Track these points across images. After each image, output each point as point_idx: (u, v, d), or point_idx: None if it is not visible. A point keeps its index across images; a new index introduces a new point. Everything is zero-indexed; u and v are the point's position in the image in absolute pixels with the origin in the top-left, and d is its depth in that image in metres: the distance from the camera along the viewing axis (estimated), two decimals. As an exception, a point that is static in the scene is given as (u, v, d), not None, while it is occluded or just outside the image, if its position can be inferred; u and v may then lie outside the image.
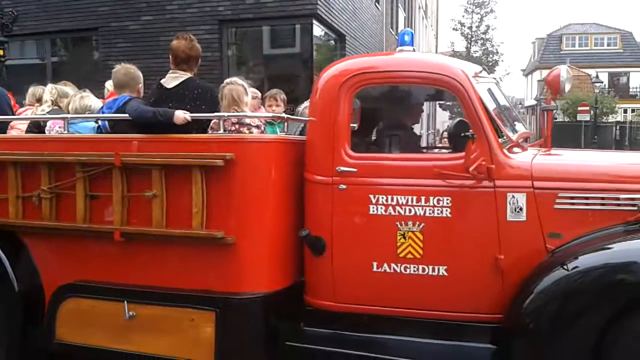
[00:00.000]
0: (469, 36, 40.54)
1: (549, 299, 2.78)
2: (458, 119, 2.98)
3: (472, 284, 3.05)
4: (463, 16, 40.71)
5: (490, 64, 40.09)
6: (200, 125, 3.45)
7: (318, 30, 10.64)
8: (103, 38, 10.66)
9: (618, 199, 2.96)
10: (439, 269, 3.08)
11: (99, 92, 5.12)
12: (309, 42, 10.27)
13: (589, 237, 2.94)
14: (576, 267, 2.77)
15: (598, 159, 3.60)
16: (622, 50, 41.14)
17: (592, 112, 26.50)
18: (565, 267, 2.79)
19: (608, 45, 41.68)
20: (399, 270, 3.11)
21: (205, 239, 3.13)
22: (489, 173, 3.00)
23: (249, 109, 3.70)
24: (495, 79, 3.86)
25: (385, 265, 3.13)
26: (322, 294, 3.28)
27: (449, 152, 3.19)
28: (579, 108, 27.40)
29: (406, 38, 3.69)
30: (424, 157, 3.22)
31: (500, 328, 2.95)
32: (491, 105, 3.25)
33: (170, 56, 3.61)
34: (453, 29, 41.17)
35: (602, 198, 2.98)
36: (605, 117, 30.46)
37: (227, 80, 3.69)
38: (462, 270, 3.06)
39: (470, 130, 2.90)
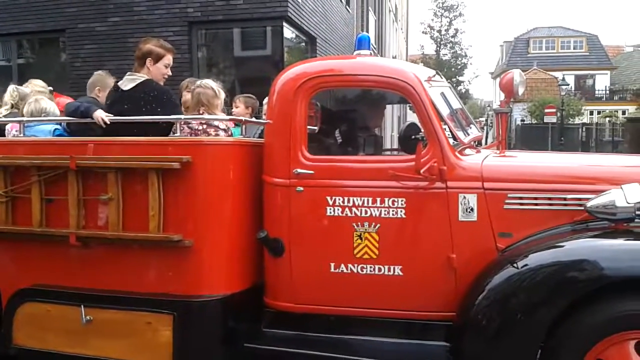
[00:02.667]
0: (439, 40, 41.12)
1: (500, 295, 2.85)
2: (409, 122, 3.05)
3: (427, 283, 3.12)
4: (432, 20, 41.41)
5: (459, 67, 40.68)
6: (160, 128, 3.45)
7: (288, 32, 10.66)
8: (70, 39, 10.51)
9: (565, 199, 3.06)
10: (394, 268, 3.14)
11: (66, 95, 5.10)
12: (280, 45, 10.28)
13: (537, 236, 3.03)
14: (526, 264, 2.85)
15: (547, 161, 3.71)
16: (588, 53, 42.08)
17: (558, 114, 27.05)
18: (515, 265, 2.87)
19: (574, 48, 42.60)
20: (355, 271, 3.16)
21: (163, 242, 3.13)
22: (441, 174, 3.07)
23: (221, 111, 3.73)
24: (449, 83, 3.94)
25: (343, 265, 3.18)
26: (281, 296, 3.31)
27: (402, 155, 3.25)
28: (546, 110, 27.98)
29: (362, 42, 3.76)
30: (379, 159, 3.28)
31: (453, 326, 3.02)
32: (444, 109, 3.33)
33: (135, 58, 3.61)
34: (423, 32, 41.93)
35: (550, 198, 3.07)
36: (571, 119, 31.11)
37: (198, 82, 3.72)
38: (417, 270, 3.12)
39: (421, 133, 2.97)
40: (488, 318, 2.86)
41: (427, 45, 48.96)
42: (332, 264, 3.19)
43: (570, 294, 2.74)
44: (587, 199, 2.94)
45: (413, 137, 2.94)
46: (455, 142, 3.26)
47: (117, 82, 3.60)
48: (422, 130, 3.18)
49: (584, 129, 26.85)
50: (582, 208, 2.97)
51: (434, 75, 3.50)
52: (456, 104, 3.74)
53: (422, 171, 2.99)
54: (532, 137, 29.77)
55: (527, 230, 3.06)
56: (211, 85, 3.66)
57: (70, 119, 3.63)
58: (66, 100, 4.51)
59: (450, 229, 3.08)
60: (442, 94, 3.48)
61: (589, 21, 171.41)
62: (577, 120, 31.21)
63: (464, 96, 42.70)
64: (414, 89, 3.16)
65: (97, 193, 3.22)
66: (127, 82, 3.52)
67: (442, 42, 41.16)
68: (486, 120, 44.21)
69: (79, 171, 3.23)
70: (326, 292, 3.23)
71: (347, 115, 4.38)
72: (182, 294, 3.17)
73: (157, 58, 3.60)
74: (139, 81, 3.50)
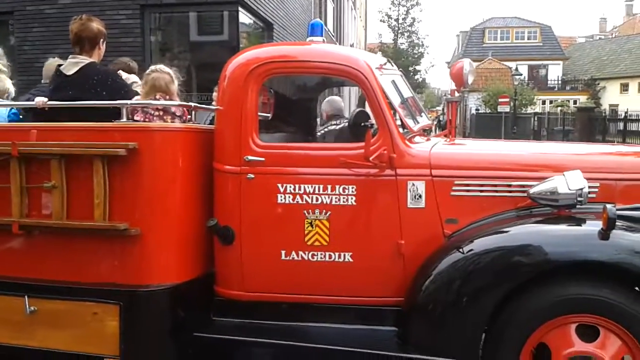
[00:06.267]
0: (396, 28, 41.39)
1: (446, 280, 2.92)
2: (358, 109, 3.06)
3: (376, 269, 3.16)
4: (390, 8, 41.56)
5: (417, 56, 41.09)
6: (107, 114, 3.35)
7: (245, 17, 10.53)
8: (18, 22, 10.10)
9: (510, 185, 3.13)
10: (344, 255, 3.16)
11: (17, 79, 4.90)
12: (235, 30, 10.13)
13: (483, 222, 3.10)
14: (472, 249, 2.92)
15: (493, 149, 3.78)
16: (541, 44, 43.14)
17: (512, 103, 27.70)
18: (461, 250, 2.93)
19: (528, 38, 43.59)
20: (306, 258, 3.17)
21: (108, 231, 3.06)
22: (391, 162, 3.10)
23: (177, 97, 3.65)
24: (400, 71, 3.97)
25: (294, 253, 3.18)
26: (232, 284, 3.29)
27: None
28: (500, 100, 28.59)
29: (315, 29, 3.74)
30: (329, 146, 3.28)
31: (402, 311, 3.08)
32: (395, 97, 3.36)
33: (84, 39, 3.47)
34: (381, 20, 42.04)
35: (495, 185, 3.14)
36: (524, 109, 31.93)
37: (152, 67, 3.60)
38: (367, 256, 3.16)
39: (370, 120, 2.98)
40: (434, 302, 2.92)
41: (385, 34, 49.34)
42: (283, 252, 3.19)
43: (513, 279, 2.82)
44: (531, 186, 3.02)
45: (362, 124, 2.95)
46: (405, 130, 3.29)
47: (60, 65, 3.47)
48: (372, 117, 3.20)
49: (536, 119, 27.58)
50: (526, 195, 3.05)
51: (385, 63, 3.52)
52: (407, 92, 3.78)
53: (371, 158, 3.01)
54: (487, 126, 30.46)
55: (473, 216, 3.12)
56: (167, 70, 3.57)
57: (16, 103, 3.50)
58: None
59: (399, 216, 3.12)
60: (393, 82, 3.51)
61: (543, 12, 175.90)
62: (529, 110, 32.04)
63: (421, 85, 43.20)
64: (365, 76, 3.17)
65: (41, 181, 3.11)
66: (70, 66, 3.40)
67: (399, 31, 41.51)
68: (442, 109, 44.92)
69: (22, 158, 3.12)
70: (277, 279, 3.23)
71: (298, 102, 4.38)
72: (129, 283, 3.10)
73: (105, 39, 3.50)
74: (81, 64, 3.38)
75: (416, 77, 41.64)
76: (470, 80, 3.97)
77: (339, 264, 3.17)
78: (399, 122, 3.23)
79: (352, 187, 3.15)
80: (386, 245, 3.13)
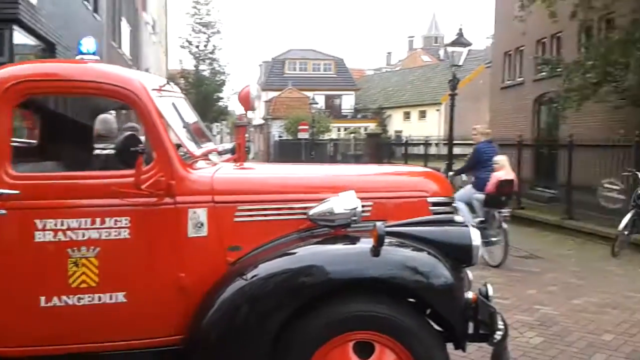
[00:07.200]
0: (197, 55, 41.23)
1: (231, 308, 2.79)
2: (127, 133, 2.81)
3: (155, 308, 2.89)
4: (190, 35, 41.22)
5: (219, 83, 41.30)
6: None
7: (21, 37, 9.50)
8: None
9: (292, 208, 3.12)
10: (116, 295, 2.84)
11: None
12: (10, 49, 9.09)
13: (266, 246, 3.04)
14: (256, 275, 2.83)
15: (277, 172, 3.79)
16: (336, 75, 46.47)
17: (311, 130, 29.20)
18: (244, 276, 2.83)
19: (324, 70, 46.67)
20: (71, 303, 2.79)
21: None
22: (169, 189, 2.89)
23: None
24: (182, 93, 3.81)
25: (56, 298, 2.78)
26: (-15, 339, 2.77)
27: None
28: (300, 127, 30.02)
29: (87, 46, 3.41)
30: (97, 174, 2.95)
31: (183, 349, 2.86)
32: (175, 120, 3.17)
33: None
34: (181, 46, 41.41)
35: (278, 209, 3.11)
36: (322, 135, 33.86)
37: None
38: (143, 295, 2.88)
39: (141, 145, 2.75)
40: (218, 332, 2.77)
41: (186, 60, 48.75)
42: (43, 298, 2.77)
43: (295, 301, 2.77)
44: (311, 207, 3.04)
45: (132, 149, 2.70)
46: (187, 155, 3.12)
47: None
48: (149, 142, 2.97)
49: (332, 144, 29.39)
50: (306, 216, 3.06)
51: (165, 85, 3.32)
52: (191, 116, 3.61)
53: (144, 187, 2.77)
54: (288, 152, 31.66)
55: (257, 241, 3.04)
56: None
57: None
58: None
59: (179, 247, 2.92)
60: (174, 105, 3.32)
61: (336, 46, 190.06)
62: (326, 136, 34.07)
63: (224, 112, 43.38)
64: (138, 97, 2.93)
65: None
66: None
67: (200, 58, 41.34)
68: (248, 136, 45.57)
69: None
70: (37, 330, 2.79)
71: (75, 128, 3.95)
72: None
73: None
74: None
75: (219, 103, 41.67)
76: (257, 104, 3.95)
77: (110, 305, 2.84)
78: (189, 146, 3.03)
79: (126, 219, 2.86)
80: (165, 280, 2.89)
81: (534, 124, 17.50)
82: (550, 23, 12.86)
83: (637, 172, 8.70)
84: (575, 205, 10.98)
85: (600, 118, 12.73)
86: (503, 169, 7.72)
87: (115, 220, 2.85)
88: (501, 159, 7.84)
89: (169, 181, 2.89)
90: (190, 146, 3.21)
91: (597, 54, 11.13)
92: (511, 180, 7.71)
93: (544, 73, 15.22)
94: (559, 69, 12.84)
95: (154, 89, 3.08)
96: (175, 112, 3.29)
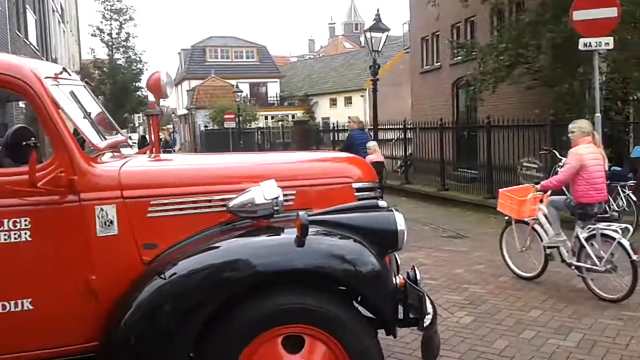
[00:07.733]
0: (110, 43, 39.41)
1: (149, 309, 2.60)
2: (17, 126, 2.53)
3: (64, 314, 2.65)
4: (102, 22, 39.28)
5: (135, 71, 39.77)
6: None
7: None
8: None
9: (211, 201, 2.95)
10: (22, 303, 2.60)
11: None
12: None
13: (185, 242, 2.85)
14: (175, 272, 2.65)
15: (193, 163, 3.58)
16: (259, 63, 45.78)
17: (237, 119, 28.64)
18: (163, 275, 2.63)
19: (247, 57, 45.88)
20: None
21: None
22: (71, 185, 2.64)
23: None
24: (83, 81, 3.51)
25: None
26: None
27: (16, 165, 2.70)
28: (225, 116, 29.38)
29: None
30: (-14, 173, 2.66)
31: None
32: (74, 110, 2.90)
33: None
34: (92, 35, 39.33)
35: (195, 202, 2.92)
36: (249, 124, 33.35)
37: None
38: (50, 300, 2.64)
39: (33, 139, 2.48)
40: (136, 335, 2.57)
41: (99, 48, 46.52)
42: None
43: (219, 296, 2.61)
44: (231, 199, 2.87)
45: (24, 143, 2.42)
46: (90, 148, 2.86)
47: None
48: (46, 135, 2.69)
49: (259, 133, 29.00)
50: (226, 209, 2.89)
51: (62, 72, 3.03)
52: (94, 106, 3.34)
53: (40, 184, 2.51)
54: (216, 142, 30.98)
55: (175, 237, 2.85)
56: None
57: None
58: None
59: (87, 247, 2.68)
60: (73, 94, 3.04)
61: (258, 33, 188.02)
62: (254, 125, 33.59)
63: (144, 102, 42.03)
64: (30, 87, 2.65)
65: None
66: None
67: (114, 46, 39.50)
68: (173, 127, 44.38)
69: None
70: None
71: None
72: None
73: None
74: None
75: (138, 93, 40.04)
76: (169, 91, 3.70)
77: (16, 314, 2.59)
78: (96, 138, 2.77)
79: (25, 220, 2.60)
80: (74, 283, 2.66)
81: (453, 107, 18.00)
82: (463, 8, 13.17)
83: (554, 150, 9.06)
84: (497, 185, 11.37)
85: (516, 99, 13.22)
86: (375, 153, 9.37)
87: (14, 222, 2.58)
88: (372, 144, 9.67)
89: (70, 177, 2.65)
90: (93, 138, 2.95)
91: (509, 36, 11.49)
92: (382, 162, 9.57)
93: (459, 57, 15.64)
94: (473, 53, 13.18)
95: (47, 77, 2.80)
96: (74, 101, 3.01)
